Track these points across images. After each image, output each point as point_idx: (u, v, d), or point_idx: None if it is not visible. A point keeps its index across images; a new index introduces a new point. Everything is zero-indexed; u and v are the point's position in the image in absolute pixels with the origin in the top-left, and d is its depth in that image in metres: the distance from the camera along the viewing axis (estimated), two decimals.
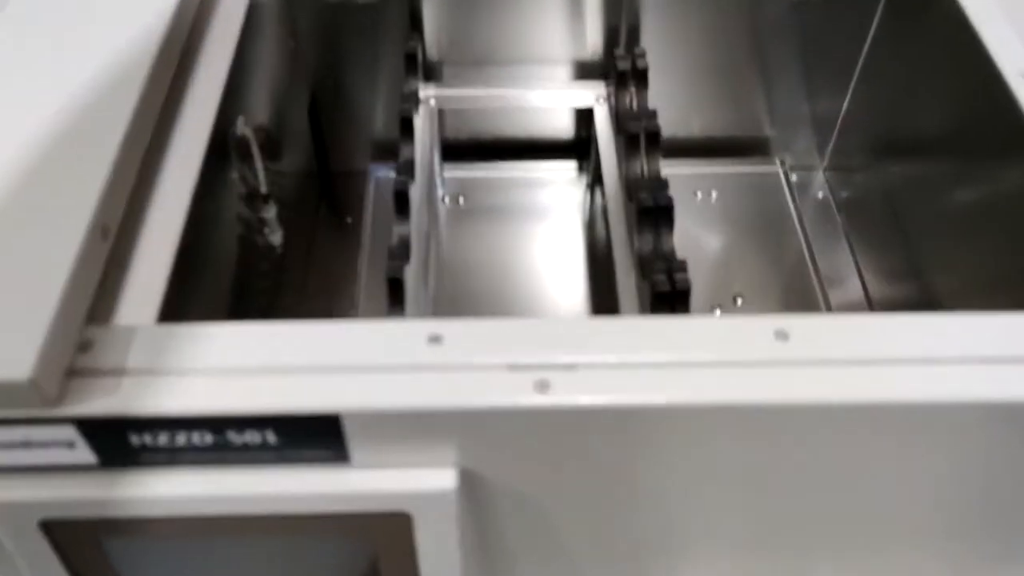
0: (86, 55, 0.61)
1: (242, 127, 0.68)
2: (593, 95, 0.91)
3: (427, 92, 0.91)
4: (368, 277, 0.89)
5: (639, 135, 0.79)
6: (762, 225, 0.97)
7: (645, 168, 0.79)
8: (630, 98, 0.86)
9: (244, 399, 0.47)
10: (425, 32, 0.89)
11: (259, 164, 0.71)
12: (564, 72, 0.93)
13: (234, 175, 0.69)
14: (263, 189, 0.73)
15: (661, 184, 0.75)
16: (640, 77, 0.86)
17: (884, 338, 0.50)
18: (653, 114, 0.81)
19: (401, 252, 0.70)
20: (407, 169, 0.77)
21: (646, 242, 0.73)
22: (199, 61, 0.67)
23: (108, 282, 0.52)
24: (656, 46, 0.90)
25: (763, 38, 0.91)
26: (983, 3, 0.73)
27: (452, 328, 0.50)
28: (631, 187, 0.78)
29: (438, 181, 0.98)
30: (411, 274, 0.70)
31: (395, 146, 0.82)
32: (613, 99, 0.88)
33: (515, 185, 1.00)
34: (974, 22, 0.72)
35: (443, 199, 0.98)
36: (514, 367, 0.48)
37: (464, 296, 0.89)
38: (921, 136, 0.84)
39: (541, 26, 0.89)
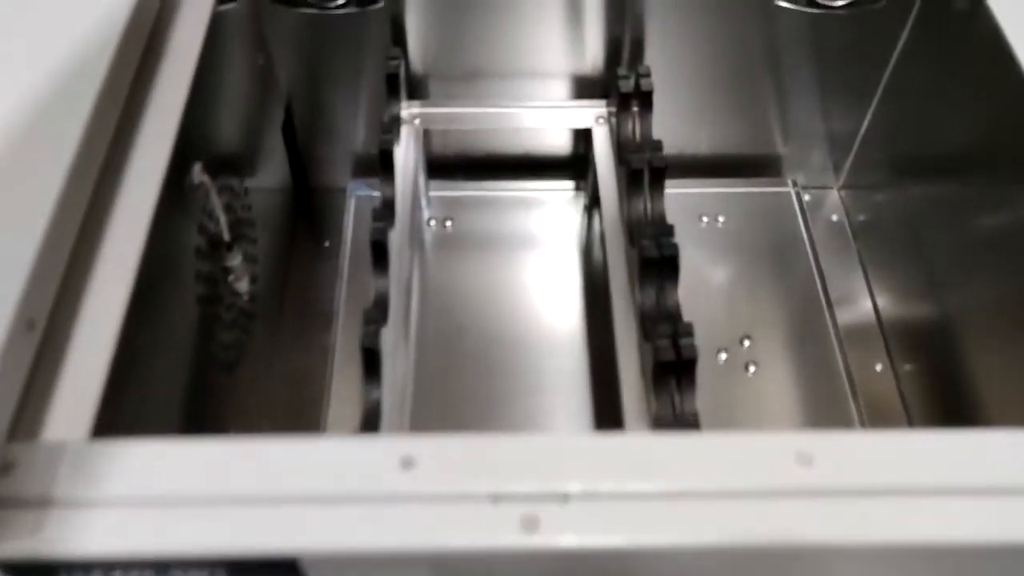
0: (15, 82, 0.54)
1: (199, 175, 0.60)
2: (593, 115, 0.84)
3: (411, 111, 0.84)
4: (346, 316, 0.83)
5: (642, 170, 0.72)
6: (772, 253, 0.90)
7: (648, 207, 0.72)
8: (633, 123, 0.79)
9: (191, 538, 0.41)
10: (409, 44, 0.81)
11: (220, 213, 0.64)
12: (562, 88, 0.86)
13: (191, 229, 0.62)
14: (226, 237, 0.66)
15: (666, 229, 0.68)
16: (644, 100, 0.78)
17: (922, 461, 0.44)
18: (658, 145, 0.74)
19: (377, 314, 0.63)
20: (385, 212, 0.70)
21: (648, 296, 0.67)
22: (154, 88, 0.60)
23: (34, 386, 0.45)
24: (661, 58, 0.83)
25: (777, 52, 0.83)
26: (1020, 20, 0.66)
27: (427, 448, 0.43)
28: (633, 229, 0.71)
29: (423, 202, 0.91)
30: (389, 337, 0.63)
31: (376, 162, 0.75)
32: (614, 123, 0.80)
33: (507, 206, 0.93)
34: (1010, 39, 0.65)
35: (429, 222, 0.91)
36: (497, 498, 0.42)
37: (448, 338, 0.82)
38: (948, 155, 0.77)
39: (537, 38, 0.81)
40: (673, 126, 0.89)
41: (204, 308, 0.63)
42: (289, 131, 0.88)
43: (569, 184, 0.95)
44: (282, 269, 0.87)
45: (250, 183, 0.80)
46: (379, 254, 0.66)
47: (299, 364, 0.81)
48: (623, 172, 0.75)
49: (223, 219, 0.64)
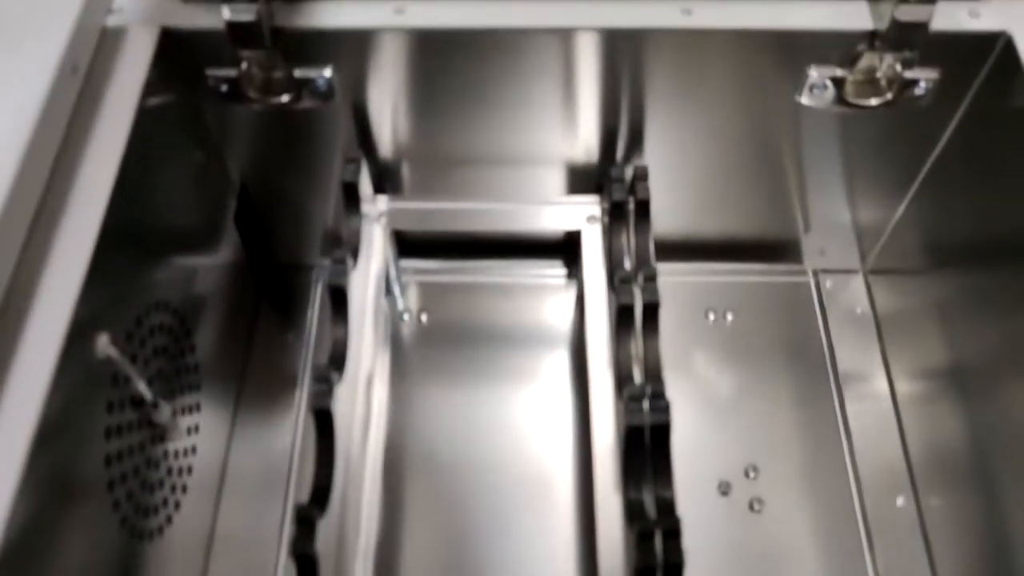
0: None
1: (105, 348, 0.52)
2: (584, 214, 0.73)
3: (379, 207, 0.74)
4: (304, 440, 0.75)
5: (632, 307, 0.62)
6: (785, 357, 0.80)
7: (640, 350, 0.63)
8: (627, 235, 0.69)
9: None
10: (375, 132, 0.70)
11: (139, 381, 0.55)
12: (550, 180, 0.75)
13: (98, 406, 0.53)
14: (149, 397, 0.58)
15: (657, 390, 0.58)
16: (641, 210, 0.68)
17: None
18: (652, 275, 0.63)
19: (317, 499, 0.55)
20: (335, 362, 0.61)
21: (633, 469, 0.58)
22: (64, 211, 0.52)
23: None
24: (665, 144, 0.72)
25: (799, 145, 0.72)
26: None
27: None
28: (622, 377, 0.62)
29: (396, 291, 0.82)
30: (328, 531, 0.55)
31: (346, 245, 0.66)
32: (607, 234, 0.70)
33: (489, 293, 0.83)
34: None
35: (403, 316, 0.81)
36: None
37: (417, 468, 0.73)
38: (989, 245, 0.67)
39: (523, 125, 0.70)
40: (678, 205, 0.79)
41: (120, 477, 0.55)
42: (246, 216, 0.78)
43: (560, 270, 0.85)
44: (233, 391, 0.78)
45: (204, 263, 0.71)
46: (323, 422, 0.57)
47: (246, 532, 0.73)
48: (612, 301, 0.65)
49: (143, 386, 0.56)
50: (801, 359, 0.80)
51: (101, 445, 0.53)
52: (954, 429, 0.71)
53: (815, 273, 0.85)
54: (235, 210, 0.76)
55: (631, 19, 0.61)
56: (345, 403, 0.62)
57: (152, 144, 0.60)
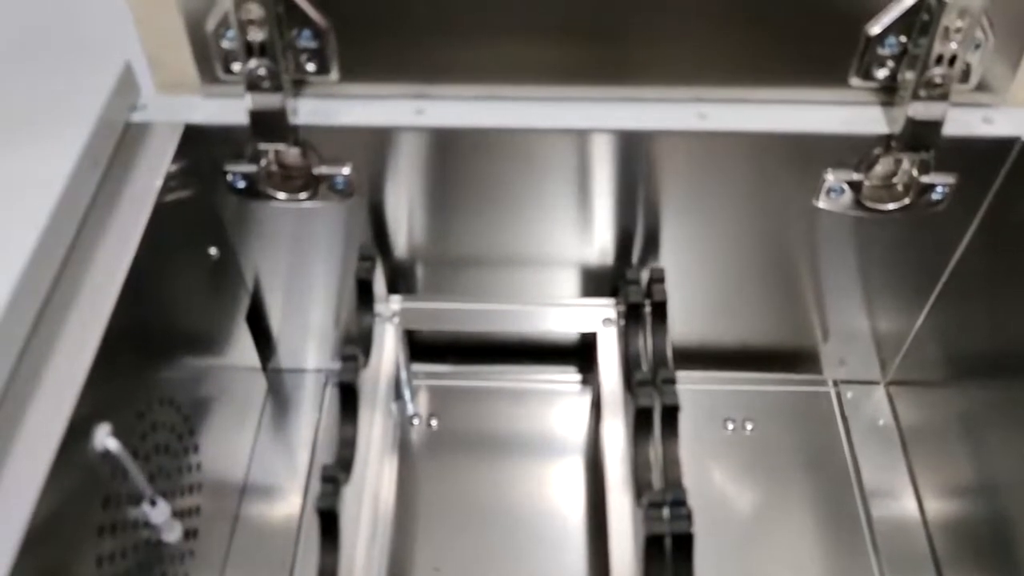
0: None
1: (104, 439, 0.50)
2: (599, 317, 0.72)
3: (392, 306, 0.73)
4: (306, 549, 0.71)
5: (651, 409, 0.61)
6: (807, 468, 0.77)
7: (659, 455, 0.60)
8: (643, 337, 0.67)
9: None
10: (391, 232, 0.70)
11: (138, 476, 0.53)
12: (565, 281, 0.74)
13: (94, 502, 0.51)
14: (147, 494, 0.55)
15: (678, 497, 0.56)
16: (657, 311, 0.67)
17: None
18: (671, 378, 0.62)
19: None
20: (343, 463, 0.58)
21: None
22: (74, 301, 0.52)
23: None
24: (681, 250, 0.71)
25: (817, 250, 0.71)
26: None
27: None
28: (641, 486, 0.60)
29: (407, 394, 0.80)
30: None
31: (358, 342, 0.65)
32: (623, 337, 0.69)
33: (501, 399, 0.81)
34: None
35: (412, 420, 0.79)
36: None
37: None
38: (1013, 355, 0.65)
39: (537, 224, 0.70)
40: (694, 311, 0.78)
41: None
42: (258, 315, 0.78)
43: (574, 375, 0.83)
44: (231, 513, 0.75)
45: (213, 362, 0.70)
46: (328, 524, 0.54)
47: None
48: (630, 405, 0.63)
49: (142, 481, 0.53)
50: (824, 473, 0.77)
51: (93, 543, 0.50)
52: (990, 549, 0.67)
53: (835, 384, 0.83)
54: (248, 309, 0.76)
55: (646, 122, 0.62)
56: (351, 507, 0.59)
57: (167, 240, 0.60)
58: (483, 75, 0.63)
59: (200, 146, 0.62)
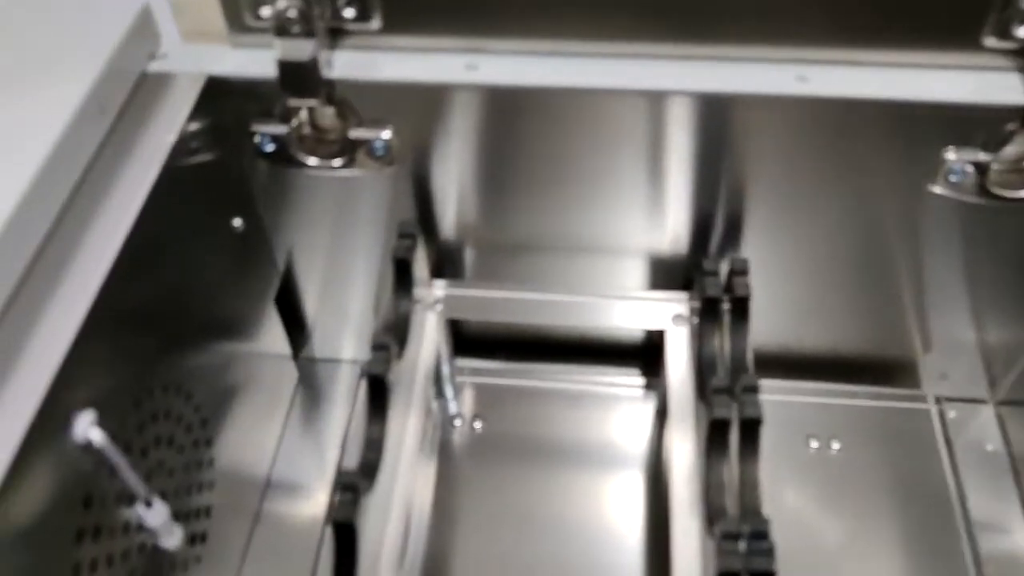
0: None
1: (86, 429, 0.43)
2: (669, 313, 0.63)
3: (436, 292, 0.65)
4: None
5: (728, 423, 0.51)
6: (903, 497, 0.67)
7: (735, 476, 0.51)
8: (720, 338, 0.58)
9: None
10: (437, 209, 0.62)
11: (126, 471, 0.46)
12: (632, 271, 0.66)
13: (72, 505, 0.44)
14: (142, 495, 0.48)
15: (759, 528, 0.47)
16: (738, 308, 0.58)
17: None
18: (753, 386, 0.53)
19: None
20: (367, 468, 0.50)
21: None
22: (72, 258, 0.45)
23: None
24: (765, 241, 0.62)
25: (923, 243, 0.61)
26: None
27: None
28: (713, 512, 0.51)
29: (449, 392, 0.72)
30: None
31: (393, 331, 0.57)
32: (696, 327, 0.60)
33: (554, 401, 0.73)
34: None
35: (454, 421, 0.71)
36: None
37: None
38: None
39: (603, 204, 0.61)
40: (778, 311, 0.68)
41: None
42: (289, 299, 0.70)
43: (637, 378, 0.74)
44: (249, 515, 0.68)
45: (233, 347, 0.63)
46: (345, 545, 0.46)
47: None
48: (703, 415, 0.55)
49: (133, 480, 0.46)
50: (921, 502, 0.67)
51: (70, 549, 0.43)
52: None
53: (937, 401, 0.73)
54: (278, 291, 0.69)
55: (734, 84, 0.53)
56: (376, 518, 0.51)
57: (181, 205, 0.53)
58: (545, 28, 0.54)
59: (224, 101, 0.55)
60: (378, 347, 0.52)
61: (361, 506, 0.47)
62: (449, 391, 0.72)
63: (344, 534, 0.46)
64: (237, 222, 0.61)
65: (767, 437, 0.69)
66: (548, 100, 0.54)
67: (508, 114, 0.56)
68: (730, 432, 0.52)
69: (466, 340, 0.75)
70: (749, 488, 0.51)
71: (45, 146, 0.46)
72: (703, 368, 0.58)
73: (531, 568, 0.64)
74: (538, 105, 0.55)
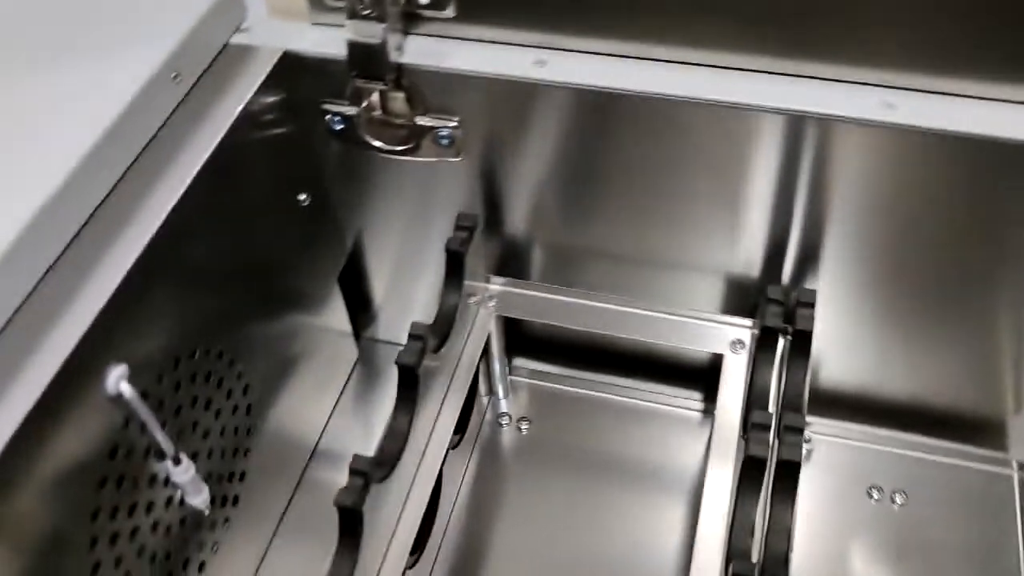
0: None
1: (117, 382, 0.44)
2: (730, 337, 0.60)
3: (491, 287, 0.64)
4: None
5: (765, 462, 0.49)
6: (971, 565, 0.62)
7: (766, 520, 0.48)
8: (779, 371, 0.55)
9: None
10: (501, 203, 0.61)
11: (154, 427, 0.47)
12: (700, 291, 0.63)
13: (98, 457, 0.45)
14: (170, 452, 0.49)
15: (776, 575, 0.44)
16: (799, 342, 0.54)
17: None
18: (798, 426, 0.49)
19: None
20: (384, 456, 0.50)
21: None
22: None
23: None
24: (845, 263, 0.58)
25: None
26: None
27: None
28: (733, 552, 0.48)
29: (500, 389, 0.71)
30: None
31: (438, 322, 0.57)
32: (750, 366, 0.57)
33: (609, 414, 0.71)
34: None
35: (501, 421, 0.70)
36: None
37: None
38: None
39: (678, 217, 0.59)
40: (850, 348, 0.64)
41: (109, 537, 0.47)
42: (354, 278, 0.71)
43: (698, 402, 0.71)
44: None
45: (290, 319, 0.64)
46: (348, 526, 0.46)
47: None
48: (742, 450, 0.52)
49: (159, 435, 0.48)
50: (990, 572, 0.62)
51: (91, 495, 0.45)
52: None
53: (1021, 467, 0.67)
54: (344, 270, 0.69)
55: (818, 104, 0.50)
56: (392, 506, 0.51)
57: (245, 173, 0.54)
58: (624, 30, 0.52)
59: (298, 77, 0.56)
60: (413, 337, 0.52)
61: (371, 493, 0.47)
62: (500, 389, 0.71)
63: (348, 518, 0.46)
64: (303, 197, 0.61)
65: (826, 481, 0.66)
66: (621, 105, 0.52)
67: (578, 116, 0.54)
68: (766, 472, 0.49)
69: (529, 341, 0.74)
70: (776, 534, 0.48)
71: (116, 107, 0.48)
72: (751, 401, 0.55)
73: (556, 569, 0.63)
74: (609, 109, 0.53)
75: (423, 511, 0.53)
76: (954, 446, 0.67)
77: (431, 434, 0.56)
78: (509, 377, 0.73)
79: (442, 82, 0.54)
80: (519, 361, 0.75)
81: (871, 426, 0.68)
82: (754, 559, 0.48)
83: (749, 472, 0.49)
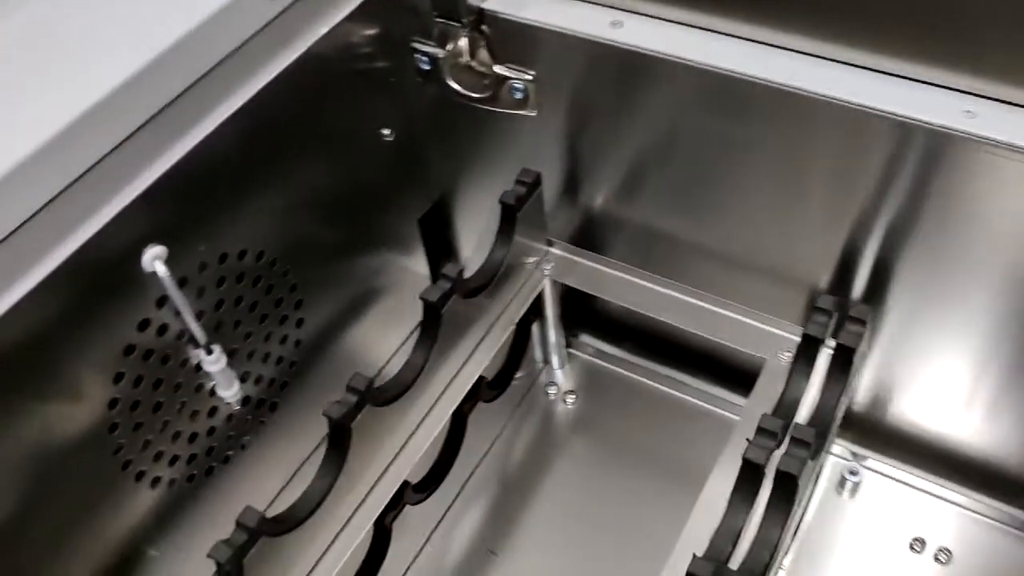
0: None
1: (152, 261, 0.48)
2: (777, 345, 0.57)
3: (552, 250, 0.64)
4: None
5: (760, 468, 0.46)
6: None
7: (753, 531, 0.46)
8: (815, 387, 0.51)
9: None
10: (568, 165, 0.60)
11: (186, 311, 0.51)
12: (763, 290, 0.59)
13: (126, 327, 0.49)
14: (201, 340, 0.53)
15: None
16: (841, 358, 0.51)
17: None
18: (804, 442, 0.46)
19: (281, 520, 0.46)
20: (392, 385, 0.51)
21: None
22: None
23: None
24: (919, 294, 0.53)
25: None
26: None
27: None
28: (710, 551, 0.46)
29: (555, 359, 0.71)
30: None
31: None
32: (787, 376, 0.54)
33: (657, 403, 0.69)
34: None
35: (548, 388, 0.70)
36: None
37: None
38: None
39: (746, 209, 0.56)
40: (923, 390, 0.59)
41: (129, 403, 0.50)
42: (439, 223, 0.72)
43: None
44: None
45: (359, 252, 0.66)
46: (337, 439, 0.48)
47: None
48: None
49: (192, 320, 0.51)
50: None
51: (115, 360, 0.49)
52: None
53: None
54: (425, 213, 0.71)
55: (899, 105, 0.46)
56: (397, 437, 0.53)
57: (332, 96, 0.56)
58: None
59: (390, 12, 0.57)
60: (443, 276, 0.53)
61: (379, 419, 0.48)
62: (555, 359, 0.71)
63: (336, 432, 0.47)
64: (386, 131, 0.63)
65: (868, 521, 0.61)
66: (696, 78, 0.50)
67: (651, 85, 0.53)
68: (761, 480, 0.46)
69: (598, 319, 0.72)
70: (760, 545, 0.45)
71: (198, 15, 0.51)
72: (777, 407, 0.51)
73: (559, 549, 0.62)
74: (682, 81, 0.51)
75: (427, 445, 0.54)
76: (1017, 512, 0.60)
77: (454, 378, 0.57)
78: (568, 350, 0.72)
79: (518, 32, 0.54)
80: (585, 338, 0.74)
81: (930, 472, 0.62)
82: (735, 566, 0.46)
83: (744, 477, 0.46)
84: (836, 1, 0.47)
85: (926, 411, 0.61)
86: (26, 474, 0.47)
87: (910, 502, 0.62)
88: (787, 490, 0.45)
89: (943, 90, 0.46)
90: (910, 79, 0.47)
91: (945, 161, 0.47)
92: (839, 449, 0.64)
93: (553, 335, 0.69)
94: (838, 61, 0.49)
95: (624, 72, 0.53)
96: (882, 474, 0.63)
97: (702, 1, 0.51)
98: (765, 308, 0.60)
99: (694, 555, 0.43)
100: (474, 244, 0.73)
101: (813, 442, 0.46)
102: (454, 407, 0.56)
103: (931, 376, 0.58)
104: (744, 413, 0.54)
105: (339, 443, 0.48)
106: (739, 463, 0.52)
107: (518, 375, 0.69)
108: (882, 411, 0.62)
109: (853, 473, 0.62)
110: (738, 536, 0.46)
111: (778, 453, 0.47)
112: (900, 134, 0.47)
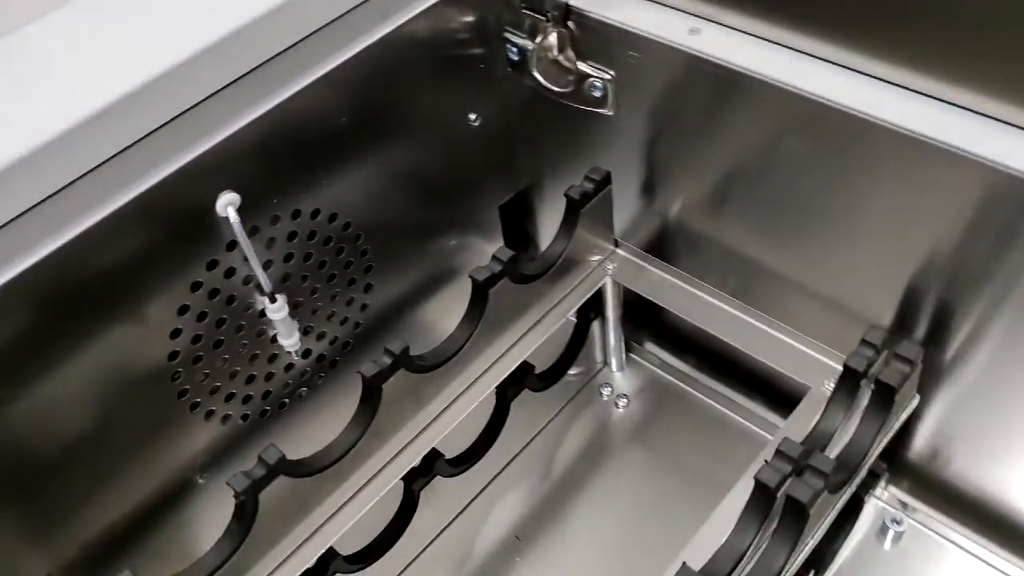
0: None
1: (225, 207, 0.51)
2: (824, 373, 0.55)
3: (618, 251, 0.64)
4: None
5: (772, 491, 0.45)
6: None
7: (753, 560, 0.45)
8: (853, 423, 0.50)
9: None
10: (642, 169, 0.60)
11: (252, 258, 0.54)
12: (818, 316, 0.58)
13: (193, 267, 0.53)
14: (266, 288, 0.56)
15: None
16: (881, 396, 0.49)
17: None
18: (822, 472, 0.44)
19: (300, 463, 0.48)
20: (431, 355, 0.53)
21: None
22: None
23: None
24: (983, 334, 0.51)
25: None
26: None
27: None
28: (705, 568, 0.45)
29: (614, 361, 0.71)
30: None
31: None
32: (825, 407, 0.52)
33: (709, 422, 0.68)
34: None
35: (601, 390, 0.70)
36: None
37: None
38: None
39: (823, 235, 0.55)
40: (984, 448, 0.56)
41: (192, 337, 0.54)
42: (522, 212, 0.74)
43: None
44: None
45: (435, 230, 0.68)
46: (368, 397, 0.50)
47: None
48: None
49: (259, 268, 0.54)
50: None
51: (181, 292, 0.53)
52: None
53: None
54: (507, 200, 0.73)
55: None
56: (433, 407, 0.54)
57: (420, 76, 0.59)
58: (792, 15, 0.49)
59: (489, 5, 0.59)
60: (493, 259, 0.54)
61: (419, 388, 0.50)
62: (614, 362, 0.71)
63: (367, 392, 0.50)
64: (474, 117, 0.65)
65: (900, 573, 0.59)
66: (774, 95, 0.49)
67: (731, 97, 0.52)
68: (773, 505, 0.45)
69: (665, 329, 0.72)
70: (760, 571, 0.45)
71: None
72: (809, 441, 0.50)
73: (582, 548, 0.62)
74: (758, 95, 0.50)
75: (463, 417, 0.56)
76: None
77: (499, 359, 0.58)
78: (630, 355, 0.72)
79: (599, 30, 0.55)
80: (649, 346, 0.74)
81: (982, 536, 0.59)
82: None
83: (756, 497, 0.46)
84: (939, 39, 0.45)
85: (988, 471, 0.57)
86: (94, 395, 0.51)
87: (954, 563, 0.58)
88: (796, 518, 0.44)
89: None
90: (1006, 123, 0.45)
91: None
92: (887, 496, 0.61)
93: (613, 337, 0.69)
94: (933, 97, 0.47)
95: (701, 82, 0.52)
96: (930, 529, 0.60)
97: (789, 17, 0.50)
98: (823, 337, 0.58)
99: (683, 564, 0.43)
100: (551, 236, 0.75)
101: (831, 473, 0.44)
102: (494, 386, 0.58)
103: (999, 434, 0.55)
104: (776, 437, 0.53)
105: (369, 401, 0.50)
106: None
107: (575, 371, 0.70)
108: (941, 463, 0.59)
109: (897, 522, 0.59)
110: (741, 557, 0.46)
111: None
112: (994, 179, 0.45)
